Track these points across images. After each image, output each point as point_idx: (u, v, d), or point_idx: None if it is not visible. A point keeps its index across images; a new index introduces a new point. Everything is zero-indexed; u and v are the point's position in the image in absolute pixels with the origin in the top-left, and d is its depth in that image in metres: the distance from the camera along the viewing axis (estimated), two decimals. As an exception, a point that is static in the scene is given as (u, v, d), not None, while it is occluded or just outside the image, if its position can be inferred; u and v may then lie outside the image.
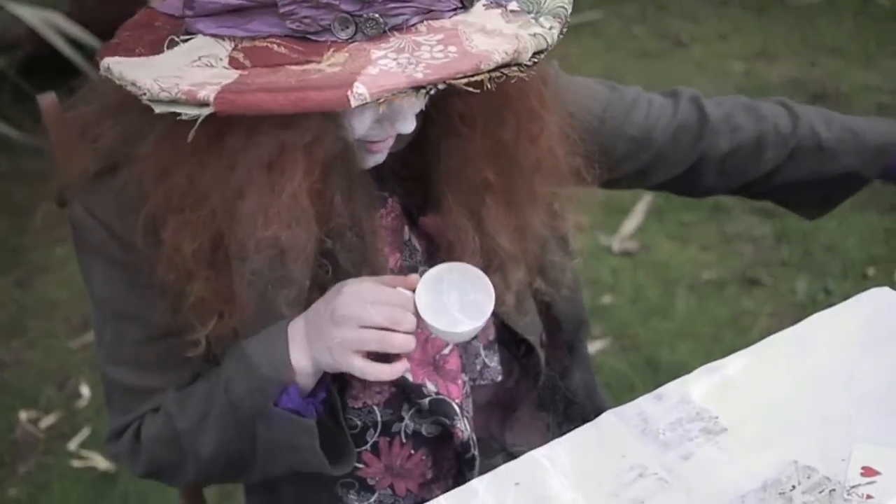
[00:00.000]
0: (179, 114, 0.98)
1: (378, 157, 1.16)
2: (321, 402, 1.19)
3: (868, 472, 1.11)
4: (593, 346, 2.66)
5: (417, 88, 0.95)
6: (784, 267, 2.97)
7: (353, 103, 0.94)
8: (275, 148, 1.06)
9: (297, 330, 1.15)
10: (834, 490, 1.10)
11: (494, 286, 1.16)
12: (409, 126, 1.11)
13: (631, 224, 3.16)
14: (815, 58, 4.05)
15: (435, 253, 1.25)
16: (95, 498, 2.43)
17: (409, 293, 1.13)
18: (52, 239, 3.06)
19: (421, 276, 1.15)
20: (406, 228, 1.25)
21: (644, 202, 3.20)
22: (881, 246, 3.01)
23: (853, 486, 1.10)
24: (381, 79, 0.95)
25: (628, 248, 3.09)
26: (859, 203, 1.52)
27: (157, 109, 0.98)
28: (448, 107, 1.14)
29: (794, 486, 1.11)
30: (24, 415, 2.68)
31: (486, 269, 1.19)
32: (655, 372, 2.60)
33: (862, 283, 2.84)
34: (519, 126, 1.20)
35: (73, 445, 2.58)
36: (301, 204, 1.08)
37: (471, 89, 0.98)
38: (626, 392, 2.43)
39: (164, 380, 1.23)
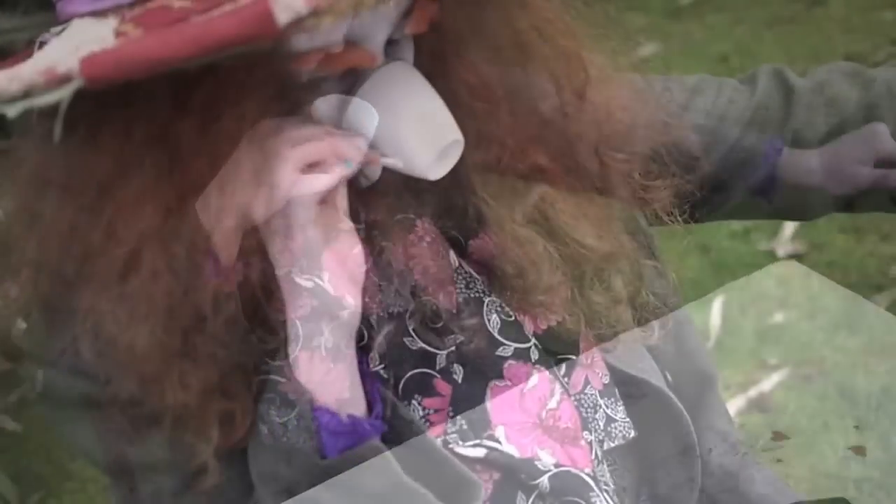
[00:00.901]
0: None
1: None
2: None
3: (778, 436, 1.21)
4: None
5: None
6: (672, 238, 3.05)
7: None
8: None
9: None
10: (746, 454, 1.19)
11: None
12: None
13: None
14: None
15: None
16: (2, 459, 2.42)
17: None
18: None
19: None
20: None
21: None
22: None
23: (764, 450, 1.20)
24: None
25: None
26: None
27: None
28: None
29: (710, 450, 1.20)
30: (-75, 377, 2.64)
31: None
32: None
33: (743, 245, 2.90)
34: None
35: (-22, 408, 2.56)
36: None
37: None
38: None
39: None
